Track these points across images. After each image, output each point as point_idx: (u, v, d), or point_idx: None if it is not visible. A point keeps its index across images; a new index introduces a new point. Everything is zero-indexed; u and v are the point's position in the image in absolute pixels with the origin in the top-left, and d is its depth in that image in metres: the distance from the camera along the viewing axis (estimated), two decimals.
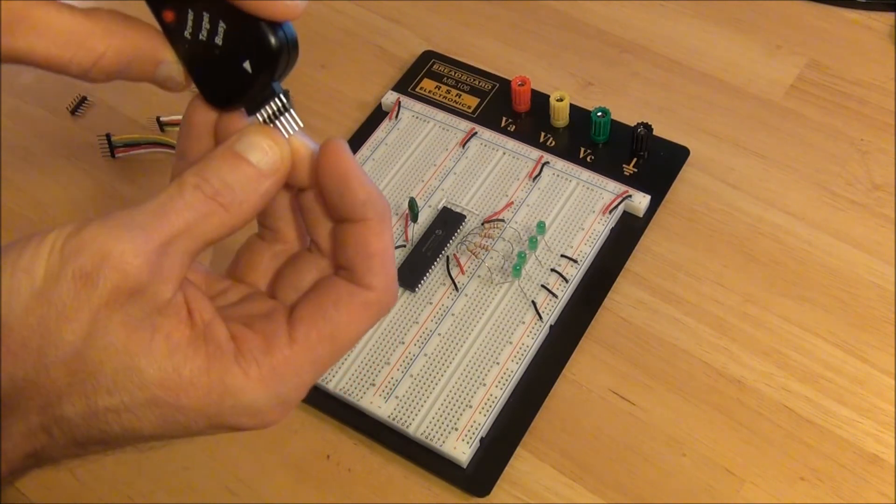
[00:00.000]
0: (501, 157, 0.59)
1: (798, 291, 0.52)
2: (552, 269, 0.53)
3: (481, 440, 0.48)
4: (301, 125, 0.30)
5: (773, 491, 0.46)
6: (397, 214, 0.56)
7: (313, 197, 0.31)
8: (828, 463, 0.47)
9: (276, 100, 0.30)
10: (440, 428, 0.48)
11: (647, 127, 0.57)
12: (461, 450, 0.47)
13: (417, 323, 0.52)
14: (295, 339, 0.29)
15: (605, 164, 0.58)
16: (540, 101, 0.60)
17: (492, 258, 0.54)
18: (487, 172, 0.58)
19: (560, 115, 0.59)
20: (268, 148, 0.29)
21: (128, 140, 0.61)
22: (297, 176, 0.30)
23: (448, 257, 0.54)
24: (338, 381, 0.50)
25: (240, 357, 0.28)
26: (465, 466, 0.47)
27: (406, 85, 0.63)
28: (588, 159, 0.58)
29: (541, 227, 0.54)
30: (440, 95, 0.62)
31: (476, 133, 0.60)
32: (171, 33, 0.30)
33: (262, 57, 0.29)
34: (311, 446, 0.49)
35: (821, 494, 0.46)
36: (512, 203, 0.56)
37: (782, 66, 0.63)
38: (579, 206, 0.56)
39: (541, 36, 0.66)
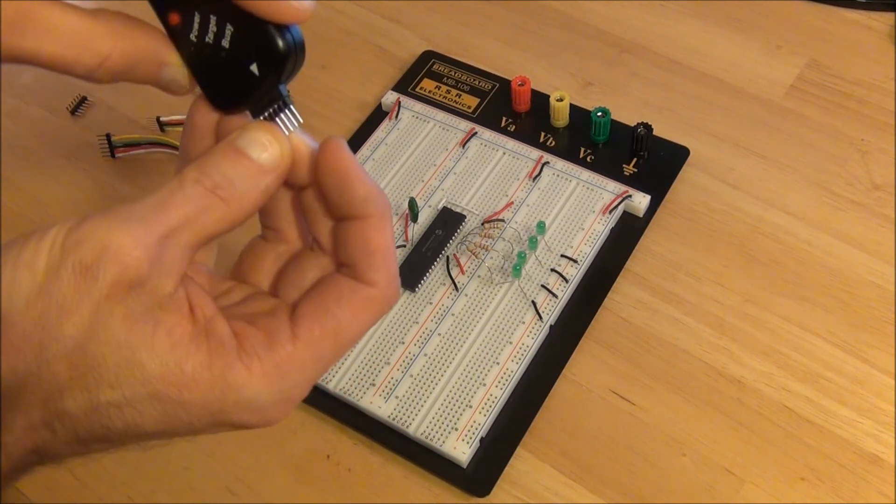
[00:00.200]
0: (501, 157, 0.59)
1: (798, 291, 0.52)
2: (552, 269, 0.53)
3: (481, 440, 0.48)
4: (301, 121, 0.30)
5: (773, 491, 0.46)
6: (397, 214, 0.56)
7: (314, 195, 0.31)
8: (828, 463, 0.47)
9: (280, 99, 0.30)
10: (440, 428, 0.48)
11: (647, 127, 0.57)
12: (461, 450, 0.47)
13: (417, 323, 0.52)
14: (298, 335, 0.29)
15: (605, 164, 0.58)
16: (540, 101, 0.60)
17: (492, 258, 0.54)
18: (487, 172, 0.58)
19: (560, 115, 0.59)
20: (268, 143, 0.29)
21: (128, 140, 0.61)
22: (298, 173, 0.30)
23: (448, 257, 0.54)
24: (338, 381, 0.50)
25: (242, 353, 0.28)
26: (465, 466, 0.47)
27: (406, 85, 0.63)
28: (588, 159, 0.58)
29: (541, 227, 0.54)
30: (440, 95, 0.62)
31: (476, 133, 0.60)
32: (176, 36, 0.30)
33: (270, 59, 0.29)
34: (311, 446, 0.49)
35: (821, 494, 0.46)
36: (512, 203, 0.56)
37: (782, 66, 0.63)
38: (579, 206, 0.56)
39: (541, 36, 0.66)
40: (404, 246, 0.55)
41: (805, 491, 0.46)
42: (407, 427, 0.48)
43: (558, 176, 0.57)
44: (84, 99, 0.65)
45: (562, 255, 0.54)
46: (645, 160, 0.58)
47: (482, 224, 0.56)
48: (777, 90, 0.61)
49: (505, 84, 0.62)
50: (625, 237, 0.55)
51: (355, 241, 0.30)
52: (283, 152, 0.29)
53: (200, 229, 0.28)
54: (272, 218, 0.33)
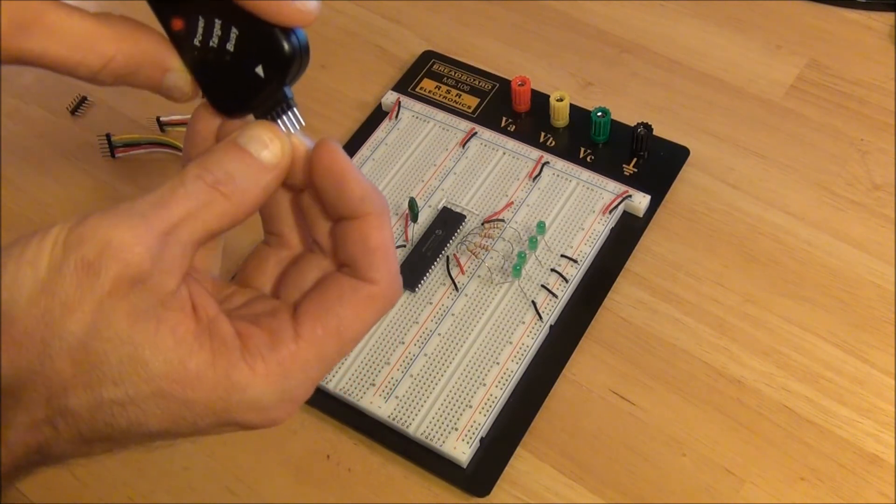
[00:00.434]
0: (501, 157, 0.59)
1: (798, 291, 0.52)
2: (552, 269, 0.53)
3: (481, 440, 0.48)
4: (303, 123, 0.30)
5: (773, 491, 0.46)
6: (397, 214, 0.56)
7: (312, 197, 0.31)
8: (828, 463, 0.47)
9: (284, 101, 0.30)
10: (440, 428, 0.48)
11: (647, 127, 0.57)
12: (461, 450, 0.47)
13: (417, 323, 0.52)
14: (300, 334, 0.29)
15: (605, 164, 0.58)
16: (540, 101, 0.60)
17: (492, 258, 0.54)
18: (487, 172, 0.58)
19: (560, 115, 0.59)
20: (269, 141, 0.29)
21: (128, 140, 0.61)
22: (297, 174, 0.30)
23: (448, 257, 0.54)
24: (338, 381, 0.50)
25: (245, 353, 0.28)
26: (465, 466, 0.47)
27: (406, 85, 0.63)
28: (588, 159, 0.58)
29: (541, 227, 0.54)
30: (440, 95, 0.62)
31: (476, 133, 0.60)
32: (179, 41, 0.30)
33: (276, 62, 0.29)
34: (311, 446, 0.49)
35: (821, 494, 0.46)
36: (512, 203, 0.56)
37: (782, 66, 0.63)
38: (579, 206, 0.56)
39: (541, 36, 0.66)
40: (404, 246, 0.55)
41: (805, 491, 0.46)
42: (407, 427, 0.48)
43: (558, 176, 0.57)
44: (84, 99, 0.65)
45: (562, 255, 0.54)
46: (645, 160, 0.58)
47: (482, 224, 0.56)
48: (777, 90, 0.61)
49: (505, 84, 0.62)
50: (625, 237, 0.55)
51: (354, 240, 0.30)
52: (284, 150, 0.30)
53: (202, 225, 0.28)
54: (274, 223, 0.33)
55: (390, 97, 0.62)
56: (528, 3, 0.68)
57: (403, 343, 0.51)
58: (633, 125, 0.57)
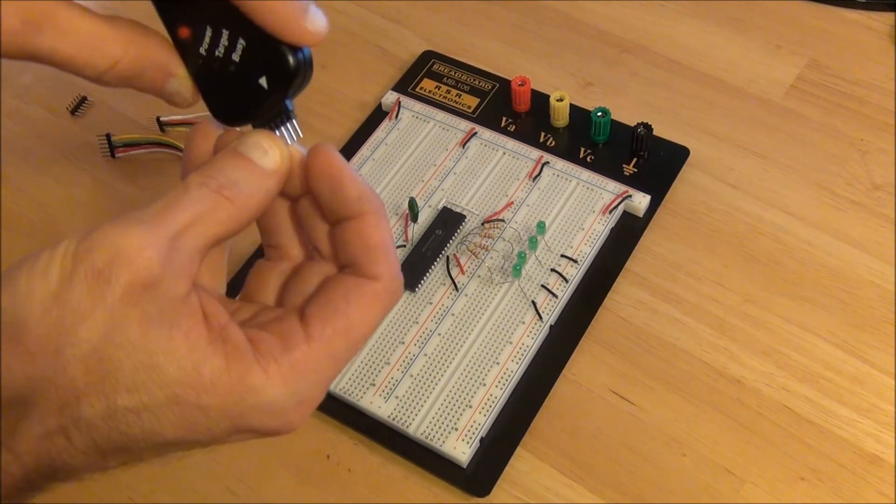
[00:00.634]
0: (501, 157, 0.59)
1: (798, 291, 0.52)
2: (552, 269, 0.53)
3: (481, 440, 0.48)
4: (300, 135, 0.31)
5: (773, 491, 0.46)
6: (397, 214, 0.56)
7: (310, 202, 0.32)
8: (828, 463, 0.47)
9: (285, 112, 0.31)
10: (440, 428, 0.48)
11: (647, 127, 0.57)
12: (461, 450, 0.47)
13: (417, 323, 0.52)
14: (311, 335, 0.29)
15: (605, 164, 0.58)
16: (540, 101, 0.60)
17: (492, 258, 0.54)
18: (487, 172, 0.58)
19: (560, 115, 0.59)
20: (269, 148, 0.30)
21: (128, 140, 0.61)
22: (295, 182, 0.31)
23: (448, 257, 0.54)
24: (338, 381, 0.50)
25: (259, 356, 0.29)
26: (465, 466, 0.47)
27: (406, 85, 0.63)
28: (588, 159, 0.58)
29: (541, 227, 0.54)
30: (440, 95, 0.62)
31: (476, 133, 0.60)
32: (185, 49, 0.31)
33: (281, 75, 0.30)
34: (311, 446, 0.49)
35: (821, 494, 0.46)
36: (512, 203, 0.56)
37: (782, 66, 0.63)
38: (579, 206, 0.56)
39: (541, 36, 0.66)
40: (404, 246, 0.55)
41: (805, 491, 0.46)
42: (407, 427, 0.48)
43: (558, 176, 0.57)
44: (84, 99, 0.65)
45: (562, 255, 0.54)
46: (645, 160, 0.58)
47: (482, 224, 0.56)
48: (777, 90, 0.61)
49: (505, 84, 0.62)
50: (625, 237, 0.55)
51: (354, 240, 0.31)
52: (283, 157, 0.30)
53: (208, 230, 0.28)
54: (273, 235, 0.34)
55: (390, 97, 0.62)
56: (528, 3, 0.68)
57: (403, 343, 0.51)
58: (633, 125, 0.57)
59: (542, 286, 0.53)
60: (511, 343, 0.51)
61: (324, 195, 0.31)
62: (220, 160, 0.30)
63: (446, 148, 0.59)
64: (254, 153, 0.30)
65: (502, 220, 0.55)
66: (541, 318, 0.51)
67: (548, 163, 0.58)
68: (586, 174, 0.57)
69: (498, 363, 0.50)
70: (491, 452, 0.48)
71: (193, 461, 0.49)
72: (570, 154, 0.58)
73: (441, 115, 0.61)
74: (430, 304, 0.52)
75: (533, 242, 0.54)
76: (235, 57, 0.30)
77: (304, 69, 0.30)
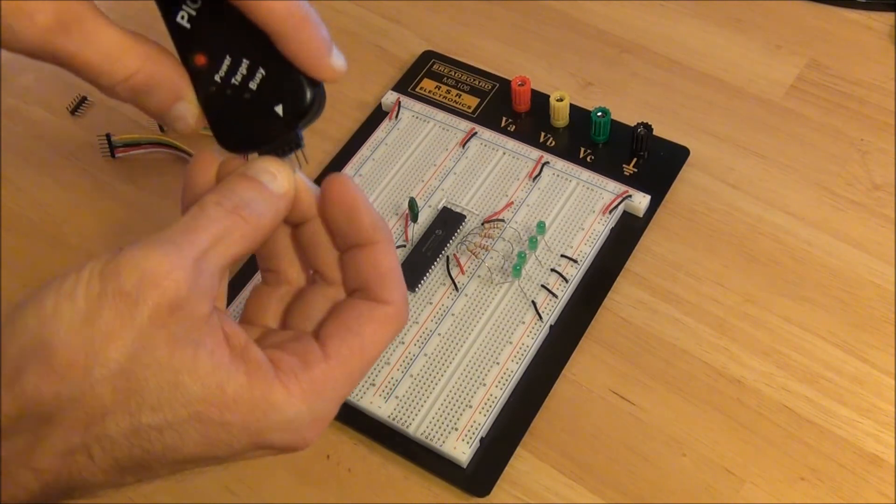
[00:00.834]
0: (501, 157, 0.59)
1: (798, 291, 0.52)
2: (552, 269, 0.53)
3: (481, 440, 0.48)
4: (308, 162, 0.32)
5: (773, 491, 0.46)
6: (397, 214, 0.56)
7: (315, 229, 0.33)
8: (828, 463, 0.47)
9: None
10: (440, 428, 0.48)
11: (647, 127, 0.57)
12: (461, 450, 0.47)
13: (417, 323, 0.52)
14: (329, 354, 0.31)
15: (605, 164, 0.58)
16: (540, 101, 0.60)
17: (492, 258, 0.54)
18: (487, 172, 0.58)
19: (560, 115, 0.59)
20: (276, 172, 0.31)
21: (128, 140, 0.61)
22: (298, 209, 0.33)
23: (448, 257, 0.54)
24: None
25: (280, 374, 0.30)
26: (465, 466, 0.47)
27: (406, 85, 0.63)
28: (588, 159, 0.58)
29: (541, 227, 0.54)
30: (440, 95, 0.62)
31: (476, 133, 0.60)
32: (197, 75, 0.32)
33: (298, 106, 0.31)
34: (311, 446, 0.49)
35: (821, 494, 0.46)
36: (512, 203, 0.56)
37: (782, 66, 0.63)
38: (579, 206, 0.56)
39: (541, 36, 0.66)
40: (404, 246, 0.55)
41: (805, 491, 0.46)
42: (407, 427, 0.48)
43: (558, 176, 0.57)
44: (84, 99, 0.65)
45: (562, 255, 0.54)
46: (645, 160, 0.58)
47: (482, 224, 0.56)
48: (777, 90, 0.61)
49: (505, 84, 0.62)
50: (625, 237, 0.55)
51: (367, 266, 0.33)
52: (290, 181, 0.32)
53: (227, 249, 0.30)
54: (272, 260, 0.35)
55: (390, 97, 0.62)
56: (528, 3, 0.68)
57: (403, 343, 0.51)
58: (633, 125, 0.57)
59: (542, 286, 0.53)
60: (511, 343, 0.51)
61: (339, 223, 0.32)
62: (232, 182, 0.31)
63: (446, 148, 0.59)
64: (263, 177, 0.31)
65: (502, 220, 0.55)
66: (541, 318, 0.51)
67: (548, 163, 0.58)
68: (586, 174, 0.57)
69: (498, 363, 0.50)
70: (491, 452, 0.48)
71: None
72: (570, 154, 0.58)
73: (441, 115, 0.61)
74: (430, 304, 0.52)
75: (533, 242, 0.54)
76: (253, 85, 0.31)
77: (320, 102, 0.32)
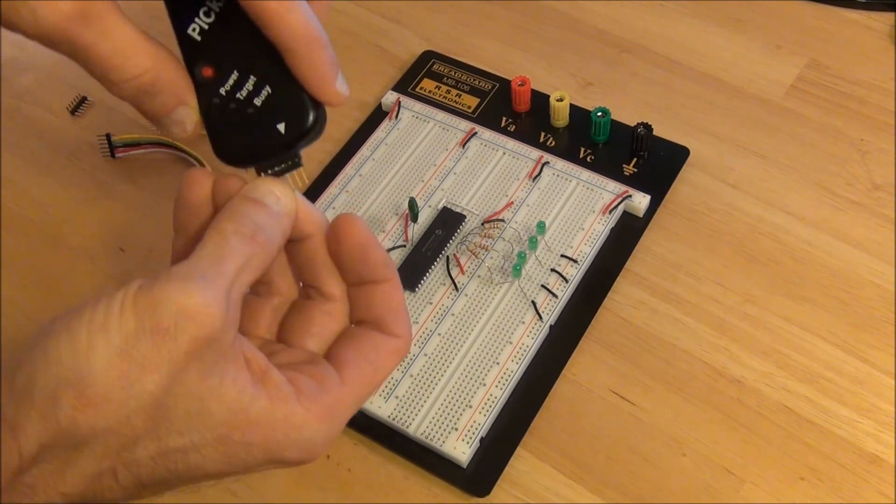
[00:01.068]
0: (501, 157, 0.59)
1: (798, 291, 0.52)
2: (552, 269, 0.53)
3: (481, 440, 0.48)
4: (306, 182, 0.34)
5: (773, 491, 0.46)
6: (397, 214, 0.56)
7: (313, 247, 0.34)
8: (828, 463, 0.47)
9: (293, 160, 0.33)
10: (440, 428, 0.48)
11: (647, 127, 0.57)
12: (461, 450, 0.47)
13: (417, 323, 0.52)
14: (345, 380, 0.33)
15: (605, 164, 0.58)
16: (540, 101, 0.60)
17: (492, 258, 0.54)
18: (487, 172, 0.58)
19: (560, 115, 0.59)
20: (280, 194, 0.33)
21: (128, 140, 0.61)
22: (297, 227, 0.34)
23: (448, 257, 0.54)
24: None
25: (301, 396, 0.31)
26: (465, 466, 0.47)
27: (406, 85, 0.63)
28: (588, 159, 0.58)
29: (541, 227, 0.54)
30: (440, 95, 0.62)
31: (476, 133, 0.60)
32: (201, 86, 0.32)
33: (301, 125, 0.32)
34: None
35: (821, 494, 0.46)
36: (512, 203, 0.56)
37: (782, 66, 0.63)
38: (579, 206, 0.56)
39: (541, 36, 0.66)
40: (404, 246, 0.55)
41: (805, 491, 0.46)
42: (407, 427, 0.48)
43: (558, 176, 0.57)
44: (84, 99, 0.65)
45: (562, 255, 0.54)
46: (645, 160, 0.58)
47: (482, 224, 0.56)
48: (777, 90, 0.61)
49: (505, 84, 0.62)
50: (625, 237, 0.55)
51: (379, 302, 0.34)
52: (292, 199, 0.33)
53: (248, 277, 0.31)
54: (267, 272, 0.35)
55: (390, 97, 0.62)
56: (528, 3, 0.68)
57: None
58: (633, 125, 0.57)
59: (542, 286, 0.53)
60: (511, 343, 0.51)
61: (350, 262, 0.34)
62: (242, 207, 0.32)
63: (446, 148, 0.59)
64: (268, 199, 0.32)
65: (502, 220, 0.55)
66: (541, 318, 0.51)
67: (548, 163, 0.58)
68: (586, 174, 0.57)
69: (498, 363, 0.50)
70: (491, 452, 0.48)
71: None
72: (570, 154, 0.58)
73: (441, 115, 0.61)
74: (430, 304, 0.52)
75: (533, 242, 0.54)
76: (258, 101, 0.32)
77: (322, 124, 0.33)
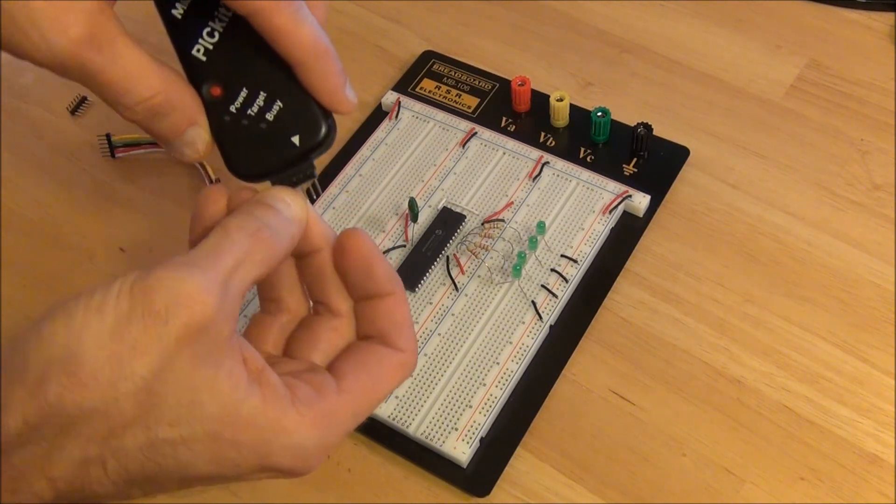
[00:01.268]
0: (501, 157, 0.59)
1: (798, 291, 0.52)
2: (552, 269, 0.53)
3: (481, 440, 0.48)
4: (321, 193, 0.34)
5: (773, 491, 0.46)
6: (397, 214, 0.56)
7: (322, 261, 0.35)
8: (828, 463, 0.47)
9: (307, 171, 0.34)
10: (440, 428, 0.48)
11: (647, 127, 0.57)
12: (461, 450, 0.47)
13: (417, 323, 0.52)
14: (343, 388, 0.33)
15: (605, 164, 0.58)
16: (540, 101, 0.60)
17: (492, 258, 0.54)
18: (487, 172, 0.58)
19: (560, 115, 0.59)
20: (291, 201, 0.33)
21: (128, 140, 0.61)
22: (307, 239, 0.34)
23: (448, 257, 0.54)
24: None
25: (295, 400, 0.31)
26: (465, 466, 0.47)
27: (406, 85, 0.63)
28: (588, 159, 0.58)
29: (541, 227, 0.54)
30: (440, 95, 0.62)
31: (476, 133, 0.60)
32: (211, 105, 0.33)
33: (314, 136, 0.33)
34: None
35: (821, 494, 0.46)
36: (512, 203, 0.56)
37: (782, 66, 0.63)
38: (579, 206, 0.56)
39: (541, 36, 0.66)
40: (404, 246, 0.55)
41: (805, 491, 0.46)
42: (407, 427, 0.48)
43: (558, 176, 0.57)
44: (84, 99, 0.65)
45: (562, 255, 0.54)
46: (645, 160, 0.58)
47: (482, 224, 0.56)
48: (777, 90, 0.61)
49: (505, 84, 0.62)
50: (625, 237, 0.55)
51: (384, 316, 0.35)
52: (303, 208, 0.33)
53: (249, 272, 0.31)
54: (274, 289, 0.36)
55: (390, 97, 0.62)
56: (528, 3, 0.68)
57: None
58: (633, 125, 0.57)
59: (542, 286, 0.53)
60: (511, 343, 0.51)
61: (356, 276, 0.34)
62: (251, 207, 0.32)
63: (446, 148, 0.59)
64: (278, 204, 0.32)
65: (502, 220, 0.55)
66: (541, 318, 0.51)
67: (548, 163, 0.58)
68: (586, 174, 0.57)
69: (498, 363, 0.50)
70: (491, 452, 0.48)
71: None
72: (570, 154, 0.58)
73: (441, 115, 0.61)
74: (430, 304, 0.52)
75: (533, 242, 0.54)
76: (270, 116, 0.33)
77: (333, 133, 0.34)
